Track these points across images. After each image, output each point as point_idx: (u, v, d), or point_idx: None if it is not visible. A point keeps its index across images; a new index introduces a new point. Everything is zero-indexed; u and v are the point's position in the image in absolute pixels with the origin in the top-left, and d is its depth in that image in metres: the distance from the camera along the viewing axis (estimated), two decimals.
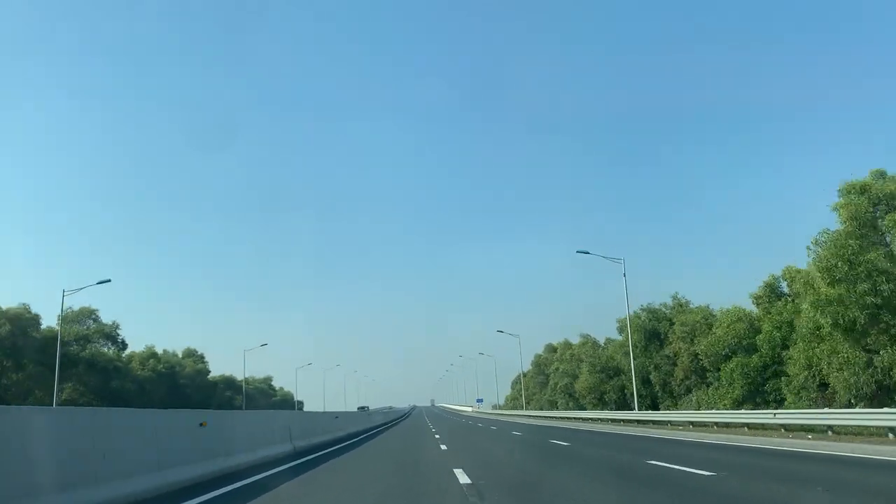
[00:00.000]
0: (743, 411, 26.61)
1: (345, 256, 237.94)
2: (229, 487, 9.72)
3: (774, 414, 23.26)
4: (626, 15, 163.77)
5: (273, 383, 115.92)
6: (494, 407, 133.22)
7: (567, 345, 78.11)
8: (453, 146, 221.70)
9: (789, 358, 27.81)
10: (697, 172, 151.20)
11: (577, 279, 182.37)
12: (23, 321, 50.00)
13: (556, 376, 75.50)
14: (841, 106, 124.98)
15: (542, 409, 77.29)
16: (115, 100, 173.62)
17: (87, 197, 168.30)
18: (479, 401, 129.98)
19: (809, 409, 23.04)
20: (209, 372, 78.83)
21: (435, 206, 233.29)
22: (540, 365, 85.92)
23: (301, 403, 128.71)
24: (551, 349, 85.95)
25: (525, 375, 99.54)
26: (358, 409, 72.37)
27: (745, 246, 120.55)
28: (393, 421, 67.03)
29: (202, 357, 77.66)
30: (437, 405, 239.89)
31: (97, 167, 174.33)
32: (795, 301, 29.89)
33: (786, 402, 27.89)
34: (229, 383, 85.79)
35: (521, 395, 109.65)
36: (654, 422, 34.20)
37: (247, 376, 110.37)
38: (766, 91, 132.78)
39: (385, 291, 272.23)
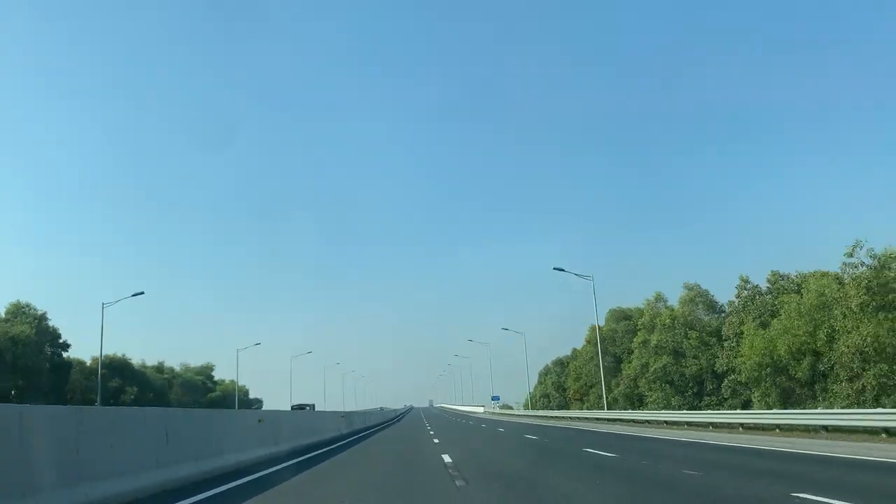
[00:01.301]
0: None
1: (342, 256, 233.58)
2: None
3: None
4: (627, 17, 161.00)
5: (214, 373, 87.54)
6: (502, 406, 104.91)
7: (654, 306, 49.61)
8: (453, 146, 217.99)
9: None
10: (697, 174, 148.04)
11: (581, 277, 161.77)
12: None
13: (645, 355, 47.05)
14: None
15: (608, 409, 49.29)
16: (113, 100, 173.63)
17: (84, 197, 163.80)
18: (496, 399, 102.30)
19: None
20: (64, 346, 50.59)
21: (434, 204, 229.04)
22: (603, 341, 57.28)
23: (258, 401, 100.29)
24: (621, 316, 57.56)
25: (573, 360, 71.07)
26: (293, 407, 45.31)
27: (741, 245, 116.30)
28: (376, 426, 39.72)
29: (41, 318, 48.80)
30: (435, 405, 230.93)
31: (93, 167, 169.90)
32: None
33: None
34: (119, 368, 57.85)
35: (557, 391, 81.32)
36: None
37: (180, 364, 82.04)
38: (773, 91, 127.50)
39: (382, 291, 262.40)
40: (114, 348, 60.65)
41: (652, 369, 45.12)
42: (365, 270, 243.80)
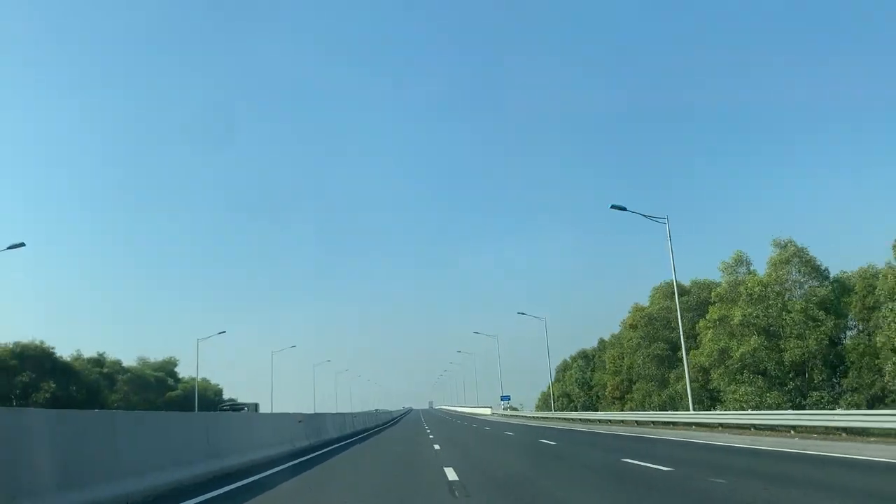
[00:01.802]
0: None
1: (339, 255, 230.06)
2: None
3: None
4: (626, 14, 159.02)
5: (178, 370, 75.64)
6: (507, 409, 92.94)
7: (733, 271, 37.93)
8: (452, 145, 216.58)
9: None
10: (697, 171, 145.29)
11: (584, 275, 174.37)
12: None
13: (722, 336, 35.37)
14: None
15: (654, 410, 37.72)
16: (113, 99, 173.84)
17: (79, 197, 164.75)
18: (506, 398, 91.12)
19: None
20: None
21: (434, 203, 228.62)
22: (652, 323, 45.62)
23: (234, 404, 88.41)
24: (666, 292, 45.85)
25: (608, 350, 59.45)
26: (221, 408, 33.60)
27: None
28: (359, 433, 28.58)
29: None
30: (435, 407, 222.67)
31: (89, 165, 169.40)
32: None
33: None
34: (37, 360, 46.20)
35: (581, 389, 69.42)
36: None
37: (137, 358, 70.41)
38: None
39: (380, 291, 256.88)
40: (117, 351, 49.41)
41: (737, 354, 33.44)
42: (363, 269, 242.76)
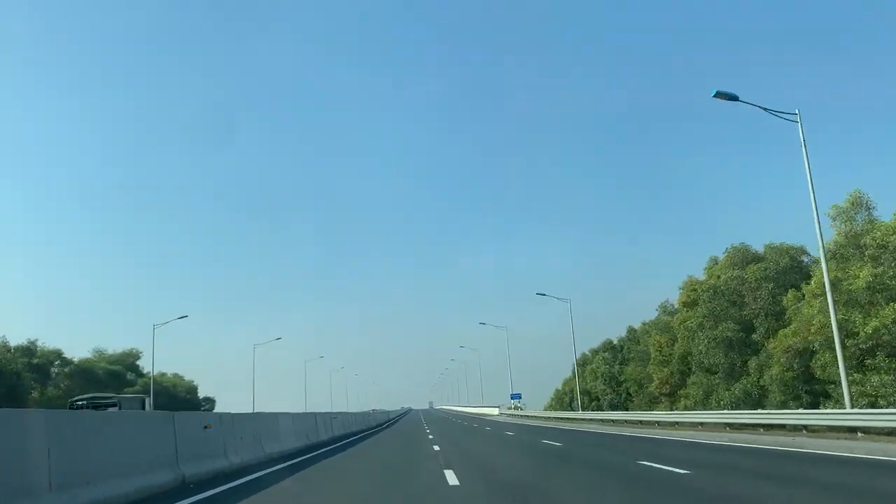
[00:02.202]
0: None
1: (339, 254, 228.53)
2: None
3: None
4: (626, 14, 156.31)
5: (140, 363, 65.94)
6: (514, 408, 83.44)
7: (847, 215, 28.30)
8: (452, 146, 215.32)
9: None
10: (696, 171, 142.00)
11: (584, 275, 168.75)
12: None
13: (839, 306, 25.56)
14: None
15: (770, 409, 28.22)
16: (113, 99, 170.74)
17: (74, 197, 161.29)
18: (516, 397, 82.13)
19: None
20: None
21: (433, 202, 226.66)
22: (715, 298, 35.88)
23: (209, 401, 78.80)
24: (748, 257, 36.45)
25: (655, 336, 49.70)
26: (72, 405, 23.59)
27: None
28: (322, 446, 19.08)
29: None
30: (436, 407, 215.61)
31: (89, 166, 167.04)
32: None
33: None
34: None
35: (607, 385, 59.66)
36: None
37: (92, 350, 60.77)
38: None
39: (381, 293, 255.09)
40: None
41: (866, 330, 23.79)
42: (363, 269, 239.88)
